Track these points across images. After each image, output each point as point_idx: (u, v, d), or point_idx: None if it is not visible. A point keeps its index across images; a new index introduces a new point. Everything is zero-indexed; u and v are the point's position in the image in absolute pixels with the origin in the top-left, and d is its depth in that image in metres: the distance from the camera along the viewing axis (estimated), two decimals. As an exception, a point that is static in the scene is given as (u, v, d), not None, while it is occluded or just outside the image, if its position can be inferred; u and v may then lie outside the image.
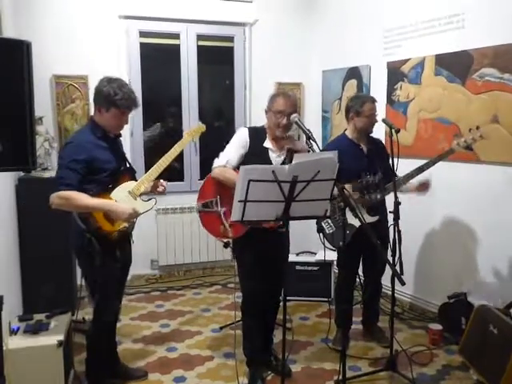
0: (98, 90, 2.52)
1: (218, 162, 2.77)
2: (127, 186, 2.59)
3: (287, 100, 2.71)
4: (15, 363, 2.49)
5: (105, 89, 2.47)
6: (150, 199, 2.70)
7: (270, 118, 2.75)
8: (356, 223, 2.95)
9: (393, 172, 2.94)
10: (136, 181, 2.65)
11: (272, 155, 2.77)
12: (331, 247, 3.14)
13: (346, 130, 3.22)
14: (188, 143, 2.92)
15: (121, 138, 2.74)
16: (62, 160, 2.43)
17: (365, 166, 3.02)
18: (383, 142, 3.39)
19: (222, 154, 2.79)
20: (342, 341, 2.44)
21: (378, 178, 2.93)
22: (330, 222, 3.11)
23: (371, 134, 3.24)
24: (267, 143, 2.79)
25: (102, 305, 2.59)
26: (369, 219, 3.01)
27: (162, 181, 2.77)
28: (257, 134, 2.80)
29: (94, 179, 2.46)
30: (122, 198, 2.54)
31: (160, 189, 2.77)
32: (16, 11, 3.84)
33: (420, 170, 2.97)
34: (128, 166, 2.72)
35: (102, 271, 2.50)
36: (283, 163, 2.75)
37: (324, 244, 3.01)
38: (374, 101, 3.14)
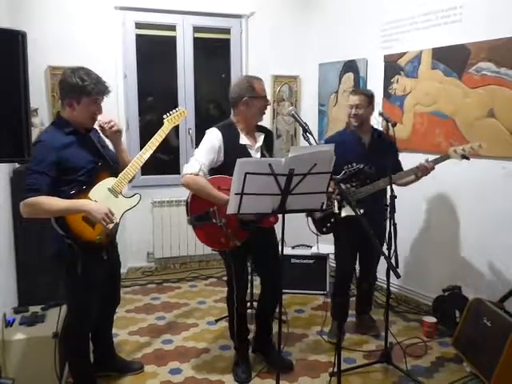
0: (63, 83, 2.33)
1: (190, 169, 2.59)
2: (106, 183, 2.40)
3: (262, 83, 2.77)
4: (11, 355, 2.50)
5: (70, 79, 2.29)
6: (134, 195, 2.50)
7: (254, 105, 2.67)
8: (342, 213, 2.94)
9: (398, 169, 3.04)
10: (116, 177, 2.46)
11: (251, 152, 2.72)
12: (316, 232, 3.14)
13: None
14: (169, 131, 2.68)
15: (95, 131, 2.54)
16: (29, 164, 2.20)
17: (363, 159, 3.02)
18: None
19: (192, 159, 2.63)
20: (337, 333, 2.45)
21: (359, 167, 2.90)
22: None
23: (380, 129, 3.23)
24: (243, 139, 2.71)
25: (79, 315, 2.49)
26: (352, 212, 3.01)
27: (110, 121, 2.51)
28: (229, 133, 2.69)
29: (70, 180, 2.29)
30: (101, 196, 2.36)
31: (108, 127, 2.49)
32: (11, 1, 3.80)
33: (415, 170, 2.97)
34: (106, 161, 2.48)
35: (84, 279, 2.34)
36: (262, 157, 2.72)
37: (310, 227, 2.98)
38: (357, 93, 3.13)
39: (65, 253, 2.30)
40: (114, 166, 2.53)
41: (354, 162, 2.96)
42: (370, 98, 3.14)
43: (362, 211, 3.02)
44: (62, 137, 2.32)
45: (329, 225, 3.08)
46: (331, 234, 3.20)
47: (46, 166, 2.21)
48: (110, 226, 2.31)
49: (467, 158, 2.88)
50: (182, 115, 2.75)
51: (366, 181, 3.00)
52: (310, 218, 3.16)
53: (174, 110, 2.74)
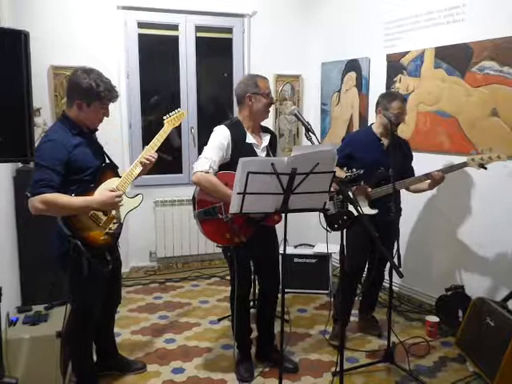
0: (75, 84, 2.32)
1: (200, 166, 2.60)
2: (111, 182, 2.43)
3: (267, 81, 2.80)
4: (14, 354, 2.50)
5: (85, 81, 2.29)
6: (136, 195, 2.57)
7: (258, 102, 2.70)
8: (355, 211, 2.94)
9: (410, 174, 3.08)
10: (119, 177, 2.50)
11: (257, 151, 2.73)
12: (328, 229, 3.13)
13: (373, 123, 3.25)
14: (169, 132, 2.70)
15: (98, 132, 2.56)
16: (41, 160, 2.20)
17: (381, 160, 3.03)
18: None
19: (202, 157, 2.64)
20: (341, 334, 2.44)
21: (359, 173, 2.92)
22: (333, 203, 3.10)
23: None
24: (249, 138, 2.73)
25: (82, 315, 2.50)
26: (369, 211, 3.02)
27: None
28: (237, 131, 2.70)
29: (77, 179, 2.31)
30: None
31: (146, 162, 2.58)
32: (14, 1, 3.81)
33: (427, 175, 2.98)
34: (109, 161, 2.53)
35: (88, 279, 2.34)
36: (267, 155, 2.75)
37: (322, 224, 2.97)
38: (403, 100, 3.10)
39: (69, 253, 2.30)
40: (117, 167, 2.56)
41: (370, 161, 2.99)
42: None
43: (375, 211, 3.04)
44: (71, 137, 2.34)
45: (341, 222, 3.06)
46: (337, 232, 3.18)
47: (58, 164, 2.23)
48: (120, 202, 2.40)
49: (484, 168, 2.86)
50: (182, 116, 2.78)
51: (380, 181, 3.01)
52: (322, 214, 3.13)
53: (173, 112, 2.76)
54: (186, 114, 2.80)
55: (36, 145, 2.31)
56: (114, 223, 2.44)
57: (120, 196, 2.39)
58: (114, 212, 2.45)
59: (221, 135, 2.67)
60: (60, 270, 2.48)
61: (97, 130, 2.53)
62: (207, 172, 2.59)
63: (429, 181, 3.02)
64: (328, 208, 3.00)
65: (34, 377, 2.54)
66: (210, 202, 2.64)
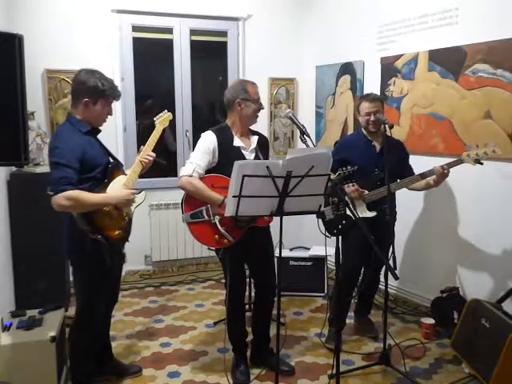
0: (81, 83, 2.41)
1: (184, 171, 2.69)
2: (120, 179, 2.52)
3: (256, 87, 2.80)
4: (8, 359, 2.48)
5: (91, 80, 2.39)
6: (139, 192, 2.63)
7: (247, 107, 2.72)
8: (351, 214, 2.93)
9: (409, 173, 3.09)
10: (125, 174, 2.59)
11: (245, 153, 2.76)
12: (327, 234, 3.12)
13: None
14: (161, 131, 2.76)
15: (102, 133, 2.62)
16: (60, 159, 2.28)
17: (375, 163, 3.04)
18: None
19: (187, 162, 2.73)
20: (336, 337, 2.44)
21: (354, 169, 2.90)
22: (330, 208, 3.10)
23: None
24: (237, 141, 2.76)
25: (89, 311, 2.54)
26: (367, 214, 3.03)
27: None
28: (224, 135, 2.74)
29: (89, 177, 2.38)
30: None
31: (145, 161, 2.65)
32: (8, 4, 3.80)
33: (422, 175, 2.97)
34: (113, 159, 2.60)
35: (105, 275, 2.45)
36: (256, 158, 2.77)
37: (320, 230, 2.97)
38: (372, 100, 3.07)
39: (88, 250, 2.36)
40: (122, 165, 2.65)
41: (364, 165, 2.99)
42: (383, 102, 3.19)
43: (374, 213, 3.04)
44: (82, 136, 2.41)
45: (340, 227, 3.06)
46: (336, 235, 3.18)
47: (75, 162, 2.30)
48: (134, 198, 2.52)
49: (480, 163, 2.84)
50: (169, 117, 2.85)
51: (376, 183, 3.02)
52: (320, 220, 3.13)
53: (161, 113, 2.83)
54: (171, 116, 2.87)
55: (50, 144, 2.42)
56: (125, 219, 2.53)
57: (134, 193, 2.49)
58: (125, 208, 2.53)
59: (206, 140, 2.73)
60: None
61: (100, 130, 2.59)
62: (191, 176, 2.65)
63: (428, 178, 2.99)
64: (323, 211, 2.99)
65: (28, 382, 2.52)
66: (196, 204, 2.69)
